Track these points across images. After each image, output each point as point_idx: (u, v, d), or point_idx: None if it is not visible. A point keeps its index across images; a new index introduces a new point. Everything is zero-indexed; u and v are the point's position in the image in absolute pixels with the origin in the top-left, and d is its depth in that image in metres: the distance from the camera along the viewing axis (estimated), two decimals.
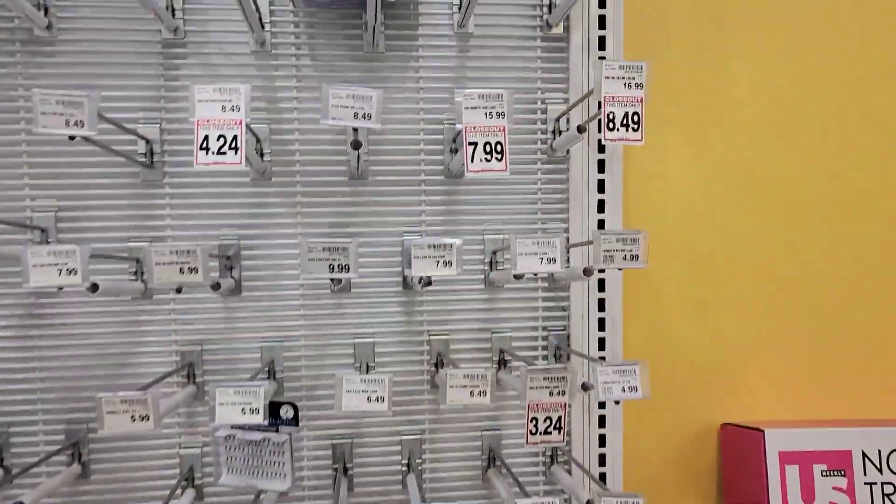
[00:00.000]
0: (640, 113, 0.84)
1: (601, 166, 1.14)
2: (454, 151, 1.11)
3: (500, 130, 0.82)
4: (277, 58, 1.09)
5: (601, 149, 1.14)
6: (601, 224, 1.14)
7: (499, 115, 0.82)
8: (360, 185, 1.11)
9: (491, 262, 1.13)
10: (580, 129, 0.98)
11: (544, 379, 0.84)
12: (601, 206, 1.14)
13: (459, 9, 1.10)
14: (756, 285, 1.29)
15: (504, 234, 1.13)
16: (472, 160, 0.82)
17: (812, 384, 1.31)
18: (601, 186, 1.14)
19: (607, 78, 0.84)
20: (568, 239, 1.14)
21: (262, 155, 1.08)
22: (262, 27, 1.07)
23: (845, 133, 1.29)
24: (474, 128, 0.82)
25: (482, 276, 1.13)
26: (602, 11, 1.12)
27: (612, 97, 0.84)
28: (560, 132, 1.13)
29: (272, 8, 1.08)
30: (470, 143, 0.82)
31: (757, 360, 1.30)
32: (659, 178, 1.27)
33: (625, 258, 0.85)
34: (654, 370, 1.27)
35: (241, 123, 0.78)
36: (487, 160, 0.83)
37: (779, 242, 1.29)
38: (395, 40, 1.10)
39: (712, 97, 1.26)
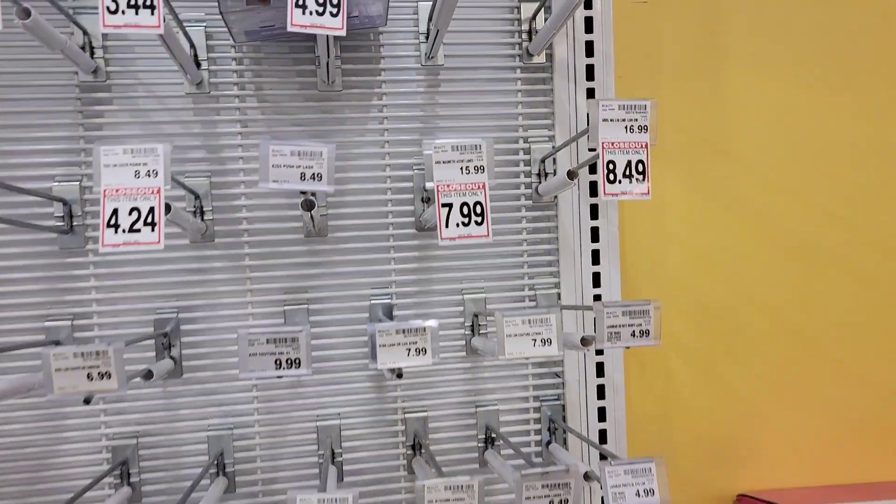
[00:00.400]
0: (645, 161, 0.70)
1: (594, 212, 1.00)
2: (426, 201, 0.97)
3: (479, 188, 0.68)
4: (218, 99, 0.94)
5: (593, 191, 1.00)
6: (596, 279, 1.00)
7: (477, 169, 0.68)
8: (319, 242, 0.96)
9: (473, 325, 0.98)
10: (571, 176, 0.84)
11: (543, 486, 0.69)
12: (595, 257, 1.00)
13: (427, 38, 0.96)
14: (769, 340, 1.15)
15: (485, 291, 0.98)
16: (446, 225, 0.67)
17: (834, 446, 1.17)
18: (595, 235, 1.00)
19: (605, 121, 0.70)
20: (559, 296, 1.00)
21: (201, 214, 0.93)
22: (199, 65, 0.92)
23: (862, 168, 1.16)
24: (448, 186, 0.67)
25: (462, 343, 0.98)
26: (589, 37, 0.99)
27: (612, 143, 0.70)
28: (546, 174, 0.99)
29: (210, 43, 0.93)
30: (443, 206, 0.67)
31: (773, 423, 1.16)
32: (658, 223, 1.13)
33: (633, 335, 0.71)
34: (662, 438, 1.13)
35: (158, 192, 0.62)
36: (465, 224, 0.69)
37: (793, 292, 1.15)
38: (353, 76, 0.96)
39: (714, 130, 1.13)
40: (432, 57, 0.96)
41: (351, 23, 0.90)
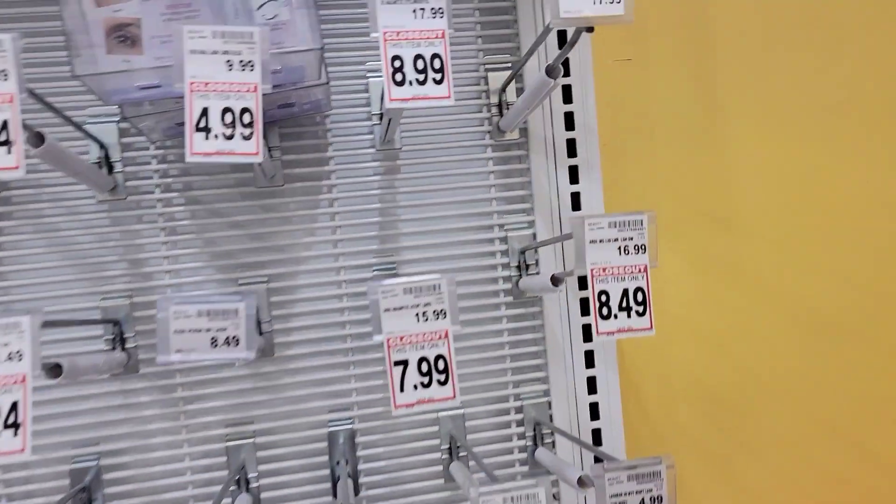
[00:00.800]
0: (645, 289, 0.56)
1: (585, 306, 0.86)
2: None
3: (440, 338, 0.54)
4: (139, 205, 0.80)
5: (583, 284, 0.86)
6: (591, 383, 0.86)
7: (437, 314, 0.54)
8: (264, 363, 0.82)
9: (451, 448, 0.84)
10: (555, 282, 0.71)
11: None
12: (590, 359, 0.86)
13: (381, 118, 0.83)
14: (786, 427, 1.01)
15: (464, 406, 0.84)
16: (401, 389, 0.53)
17: None
18: (587, 333, 0.86)
19: (594, 242, 0.56)
20: (550, 405, 0.86)
21: (122, 342, 0.78)
22: (111, 168, 0.78)
23: (876, 230, 1.03)
24: (401, 339, 0.53)
25: (440, 469, 0.84)
26: (568, 108, 0.85)
27: (603, 270, 0.56)
28: (527, 266, 0.86)
29: (126, 140, 0.79)
30: (396, 364, 0.53)
31: None
32: (657, 306, 0.99)
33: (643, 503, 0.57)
34: None
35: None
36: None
37: (808, 371, 1.01)
38: (298, 167, 0.82)
39: (713, 196, 1.00)
40: (389, 140, 0.83)
41: (289, 111, 0.77)
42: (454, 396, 0.55)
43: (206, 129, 0.51)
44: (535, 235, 0.86)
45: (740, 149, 0.99)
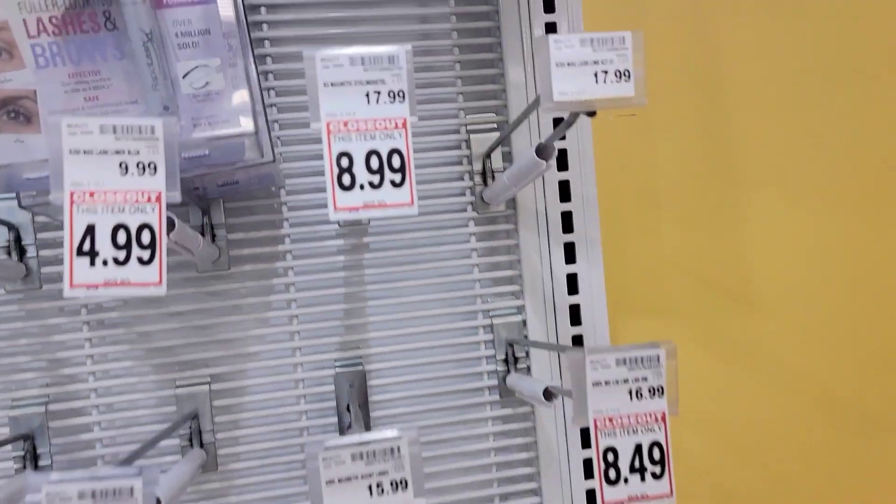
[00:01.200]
0: (663, 445, 0.44)
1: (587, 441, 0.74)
2: (349, 410, 0.70)
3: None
4: (57, 295, 0.67)
5: None
6: (590, 497, 0.74)
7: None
8: (208, 478, 0.69)
9: None
10: (548, 397, 0.59)
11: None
12: (588, 468, 0.74)
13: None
14: None
15: None
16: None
17: None
18: (586, 439, 0.74)
19: (598, 385, 0.44)
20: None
21: (35, 461, 0.66)
22: (23, 253, 0.66)
23: None
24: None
25: None
26: (563, 175, 0.74)
27: (609, 420, 0.44)
28: (516, 359, 0.73)
29: (41, 220, 0.67)
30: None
31: None
32: None
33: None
34: None
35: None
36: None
37: (841, 467, 0.89)
38: (246, 246, 0.70)
39: (730, 272, 0.88)
40: None
41: (234, 188, 0.65)
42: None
43: (92, 253, 0.39)
44: (524, 322, 0.74)
45: (757, 219, 0.87)
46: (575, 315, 0.74)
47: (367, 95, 0.42)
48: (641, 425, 0.45)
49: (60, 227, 0.67)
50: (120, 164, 0.39)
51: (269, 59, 0.70)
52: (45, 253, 0.67)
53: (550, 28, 0.72)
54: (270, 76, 0.70)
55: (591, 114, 0.44)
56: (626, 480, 0.44)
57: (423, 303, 0.73)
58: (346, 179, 0.41)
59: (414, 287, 0.73)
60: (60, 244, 0.67)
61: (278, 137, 0.70)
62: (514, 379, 0.71)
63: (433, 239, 0.73)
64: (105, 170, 0.39)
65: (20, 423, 0.66)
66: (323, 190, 0.71)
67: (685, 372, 0.87)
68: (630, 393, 0.45)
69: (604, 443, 0.44)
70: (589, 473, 0.74)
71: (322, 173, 0.71)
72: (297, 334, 0.71)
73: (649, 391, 0.45)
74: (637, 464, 0.44)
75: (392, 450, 0.41)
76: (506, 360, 0.74)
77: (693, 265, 0.87)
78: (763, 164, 0.88)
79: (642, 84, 0.44)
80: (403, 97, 0.42)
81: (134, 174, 0.39)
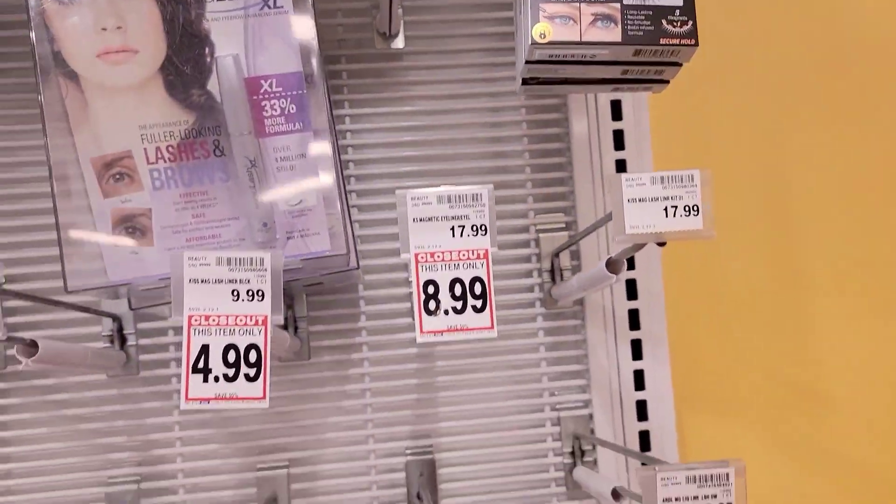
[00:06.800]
0: None
1: None
2: (420, 498, 0.73)
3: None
4: (152, 381, 0.73)
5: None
6: None
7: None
8: None
9: None
10: (616, 496, 0.60)
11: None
12: None
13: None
14: None
15: None
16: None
17: None
18: None
19: (667, 501, 0.46)
20: None
21: None
22: (124, 341, 0.72)
23: None
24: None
25: None
26: (631, 274, 0.76)
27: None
28: (583, 452, 0.75)
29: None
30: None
31: None
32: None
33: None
34: None
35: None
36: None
37: None
38: (325, 338, 0.74)
39: (796, 373, 0.88)
40: None
41: (316, 289, 0.70)
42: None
43: (206, 370, 0.43)
44: (591, 416, 0.76)
45: (827, 321, 0.88)
46: (642, 410, 0.75)
47: (452, 229, 0.46)
48: None
49: (157, 319, 0.73)
50: (232, 292, 0.44)
51: (349, 150, 0.74)
52: (143, 342, 0.72)
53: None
54: (351, 164, 0.75)
55: (662, 244, 0.47)
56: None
57: (492, 395, 0.76)
58: (432, 305, 0.45)
59: (483, 379, 0.76)
60: (157, 334, 0.73)
61: (358, 237, 0.75)
62: (581, 473, 0.73)
63: (503, 332, 0.76)
64: (219, 296, 0.44)
65: (114, 500, 0.71)
66: (398, 285, 0.76)
67: (753, 469, 0.87)
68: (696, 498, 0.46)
69: None
70: None
71: (399, 269, 0.75)
72: (370, 422, 0.74)
73: (716, 497, 0.46)
74: None
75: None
76: (572, 453, 0.75)
77: (762, 363, 0.88)
78: (828, 272, 0.89)
79: (710, 218, 0.46)
80: (485, 231, 0.46)
81: (244, 300, 0.44)
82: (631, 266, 0.76)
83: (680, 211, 0.46)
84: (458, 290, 0.45)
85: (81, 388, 0.72)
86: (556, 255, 0.75)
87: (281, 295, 0.45)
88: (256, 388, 0.43)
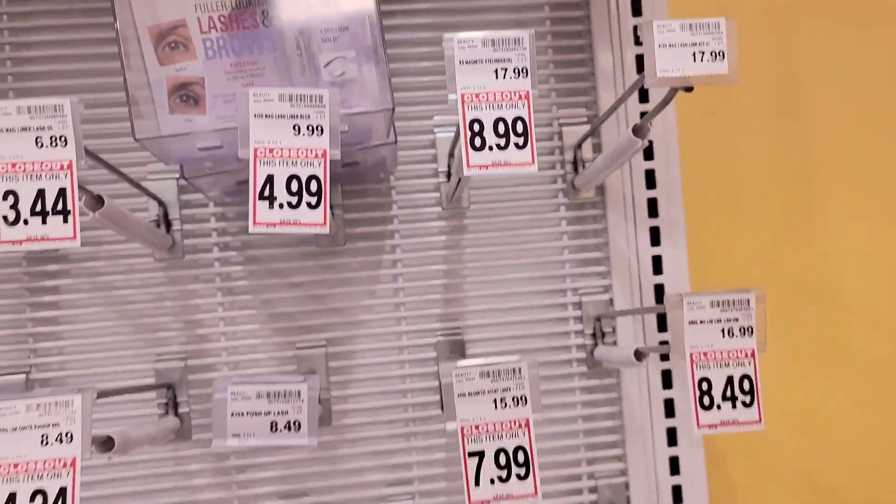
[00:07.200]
0: (752, 377, 0.50)
1: (667, 379, 0.79)
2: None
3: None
4: (196, 264, 0.77)
5: (664, 355, 0.79)
6: (674, 463, 0.79)
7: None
8: (322, 432, 0.77)
9: None
10: (638, 357, 0.64)
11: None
12: (672, 436, 0.79)
13: (448, 178, 0.78)
14: None
15: None
16: (476, 482, 0.48)
17: None
18: (669, 408, 0.79)
19: (693, 323, 0.50)
20: (627, 486, 0.78)
21: (175, 407, 0.75)
22: (169, 226, 0.76)
23: None
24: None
25: None
26: (649, 164, 0.80)
27: (704, 354, 0.50)
28: (604, 334, 0.79)
29: (186, 197, 0.76)
30: (471, 455, 0.48)
31: None
32: None
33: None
34: None
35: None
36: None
37: None
38: (359, 225, 0.78)
39: (806, 266, 0.92)
40: (456, 198, 0.78)
41: (353, 169, 0.73)
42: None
43: (271, 198, 0.47)
44: (611, 301, 0.80)
45: (836, 216, 0.91)
46: (659, 294, 0.79)
47: (496, 72, 0.49)
48: (732, 361, 0.50)
49: (205, 205, 0.77)
50: (294, 127, 0.48)
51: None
52: (187, 227, 0.76)
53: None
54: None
55: (689, 89, 0.51)
56: (718, 407, 0.50)
57: (517, 281, 0.80)
58: (478, 142, 0.49)
59: (508, 266, 0.80)
60: (201, 220, 0.77)
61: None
62: (601, 351, 0.77)
63: (527, 223, 0.80)
64: (282, 131, 0.48)
65: (163, 375, 0.75)
66: (427, 176, 0.79)
67: (769, 368, 0.91)
68: (723, 332, 0.50)
69: (698, 374, 0.50)
70: (672, 440, 0.79)
71: (430, 161, 0.79)
72: (402, 306, 0.79)
73: (740, 330, 0.50)
74: (729, 393, 0.50)
75: (515, 370, 0.48)
76: (593, 335, 0.80)
77: (773, 260, 0.92)
78: (840, 166, 0.92)
79: (735, 64, 0.50)
80: (527, 74, 0.49)
81: (305, 135, 0.48)
82: (650, 157, 0.80)
83: (707, 56, 0.49)
84: (501, 128, 0.49)
85: (129, 271, 0.76)
86: (579, 146, 0.79)
87: (339, 132, 0.49)
88: (318, 214, 0.47)
